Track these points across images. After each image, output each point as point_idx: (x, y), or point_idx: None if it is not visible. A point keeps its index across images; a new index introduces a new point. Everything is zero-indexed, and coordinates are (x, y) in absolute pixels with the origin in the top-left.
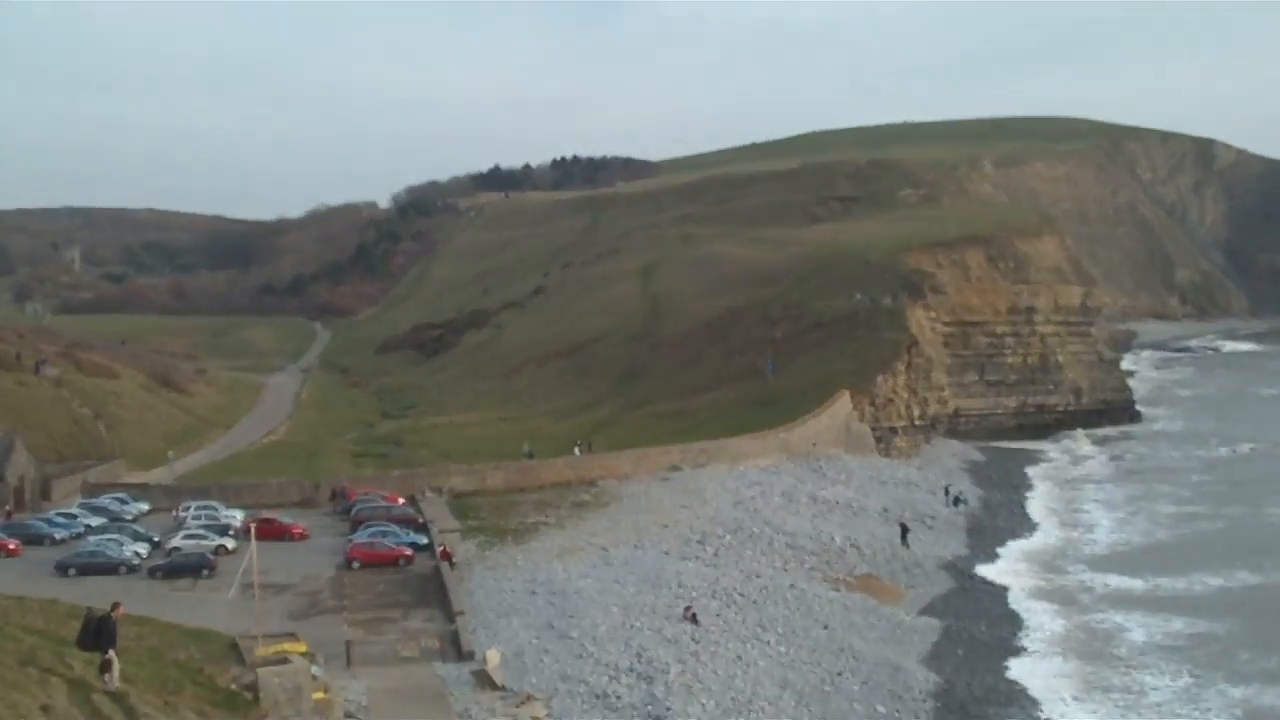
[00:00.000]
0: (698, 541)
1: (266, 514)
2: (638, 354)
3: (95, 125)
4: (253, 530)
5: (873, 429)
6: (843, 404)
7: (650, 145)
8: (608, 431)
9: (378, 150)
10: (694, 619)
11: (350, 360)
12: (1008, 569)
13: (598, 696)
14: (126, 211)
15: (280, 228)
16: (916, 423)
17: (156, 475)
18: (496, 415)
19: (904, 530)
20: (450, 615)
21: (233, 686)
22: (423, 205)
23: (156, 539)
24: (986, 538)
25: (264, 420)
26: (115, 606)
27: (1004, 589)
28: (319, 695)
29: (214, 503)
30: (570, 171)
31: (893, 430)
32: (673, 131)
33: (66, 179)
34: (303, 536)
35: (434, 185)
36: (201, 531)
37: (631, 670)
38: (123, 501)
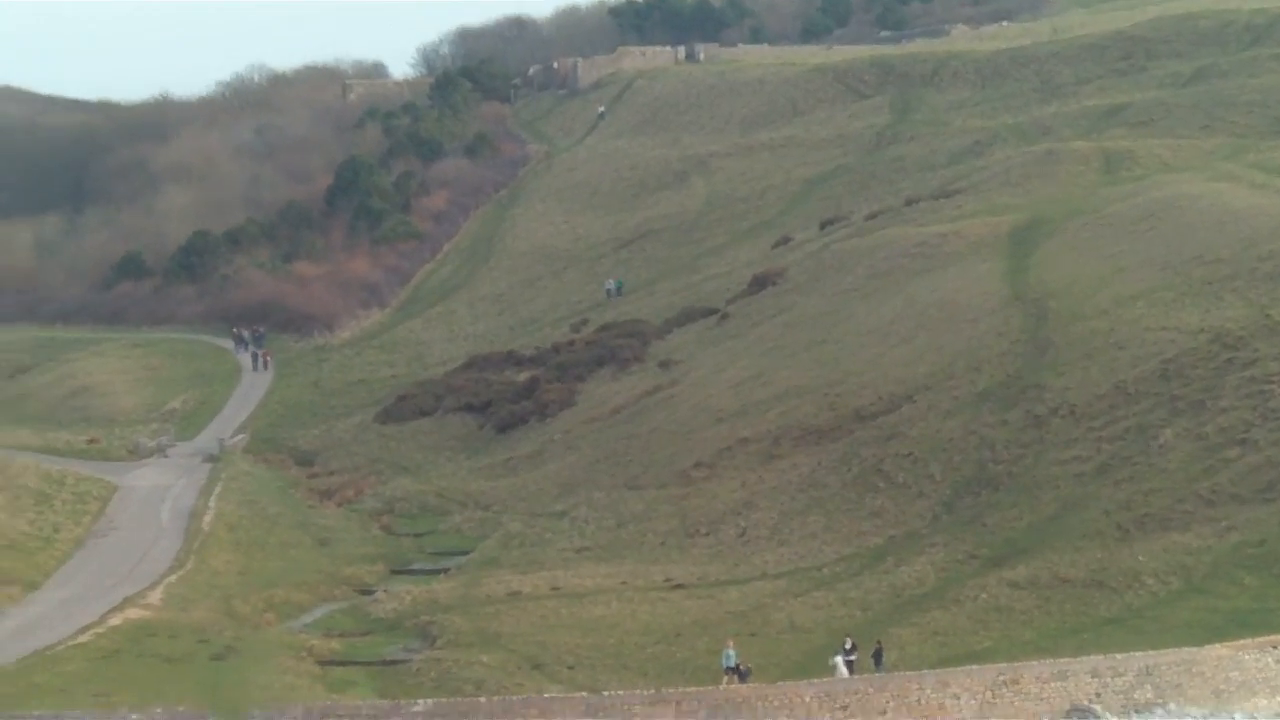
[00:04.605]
0: None
1: None
2: (997, 436)
3: None
4: None
5: None
6: None
7: None
8: (923, 618)
9: None
10: None
11: (320, 433)
12: None
13: None
14: None
15: (160, 119)
16: None
17: None
18: (657, 573)
19: None
20: None
21: None
22: (487, 75)
23: None
24: None
25: (113, 571)
26: None
27: None
28: None
29: None
30: (838, 0)
31: None
32: None
33: None
34: None
35: (517, 27)
36: None
37: None
38: None
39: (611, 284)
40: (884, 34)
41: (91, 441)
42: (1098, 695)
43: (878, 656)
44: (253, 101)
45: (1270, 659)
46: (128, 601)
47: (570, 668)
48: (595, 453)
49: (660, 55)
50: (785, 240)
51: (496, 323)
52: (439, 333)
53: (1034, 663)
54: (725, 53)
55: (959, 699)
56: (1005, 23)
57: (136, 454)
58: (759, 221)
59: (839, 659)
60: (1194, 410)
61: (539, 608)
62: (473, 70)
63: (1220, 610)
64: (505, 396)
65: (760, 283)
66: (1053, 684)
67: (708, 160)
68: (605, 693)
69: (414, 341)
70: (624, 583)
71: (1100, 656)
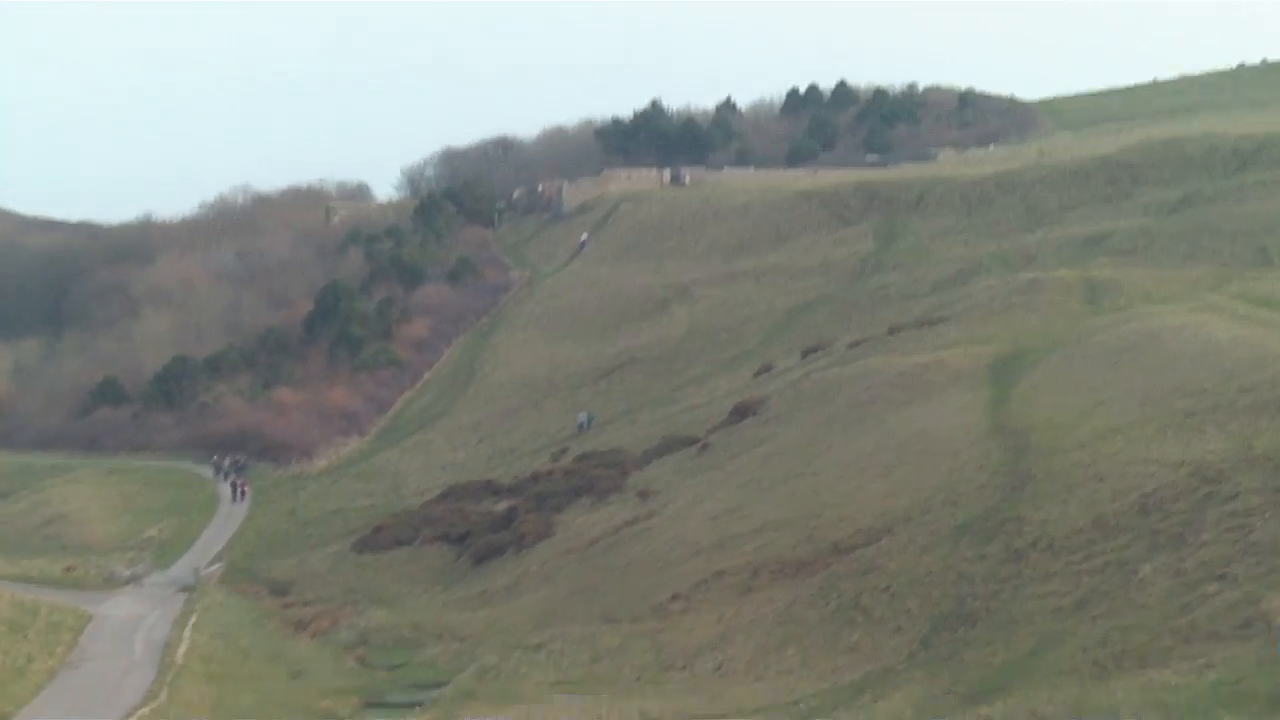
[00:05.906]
0: None
1: None
2: (975, 570)
3: None
4: None
5: None
6: None
7: (1015, 67)
8: None
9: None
10: None
11: (295, 563)
12: None
13: None
14: None
15: (142, 241)
16: None
17: None
18: (633, 708)
19: None
20: None
21: None
22: (471, 198)
23: None
24: None
25: (86, 703)
26: None
27: None
28: None
29: None
30: (825, 123)
31: None
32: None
33: None
34: None
35: (503, 148)
36: None
37: None
38: None
39: (583, 416)
40: (870, 157)
41: (69, 569)
42: None
43: None
44: (235, 223)
45: None
46: None
47: None
48: (571, 585)
49: (645, 178)
50: (767, 369)
51: (475, 452)
52: (417, 462)
53: None
54: (710, 176)
55: None
56: (992, 146)
57: (111, 583)
58: (740, 351)
59: None
60: (1173, 544)
61: None
62: (456, 192)
63: None
64: (483, 527)
65: (741, 412)
66: None
67: (690, 288)
68: None
69: (392, 471)
70: (599, 716)
71: None
